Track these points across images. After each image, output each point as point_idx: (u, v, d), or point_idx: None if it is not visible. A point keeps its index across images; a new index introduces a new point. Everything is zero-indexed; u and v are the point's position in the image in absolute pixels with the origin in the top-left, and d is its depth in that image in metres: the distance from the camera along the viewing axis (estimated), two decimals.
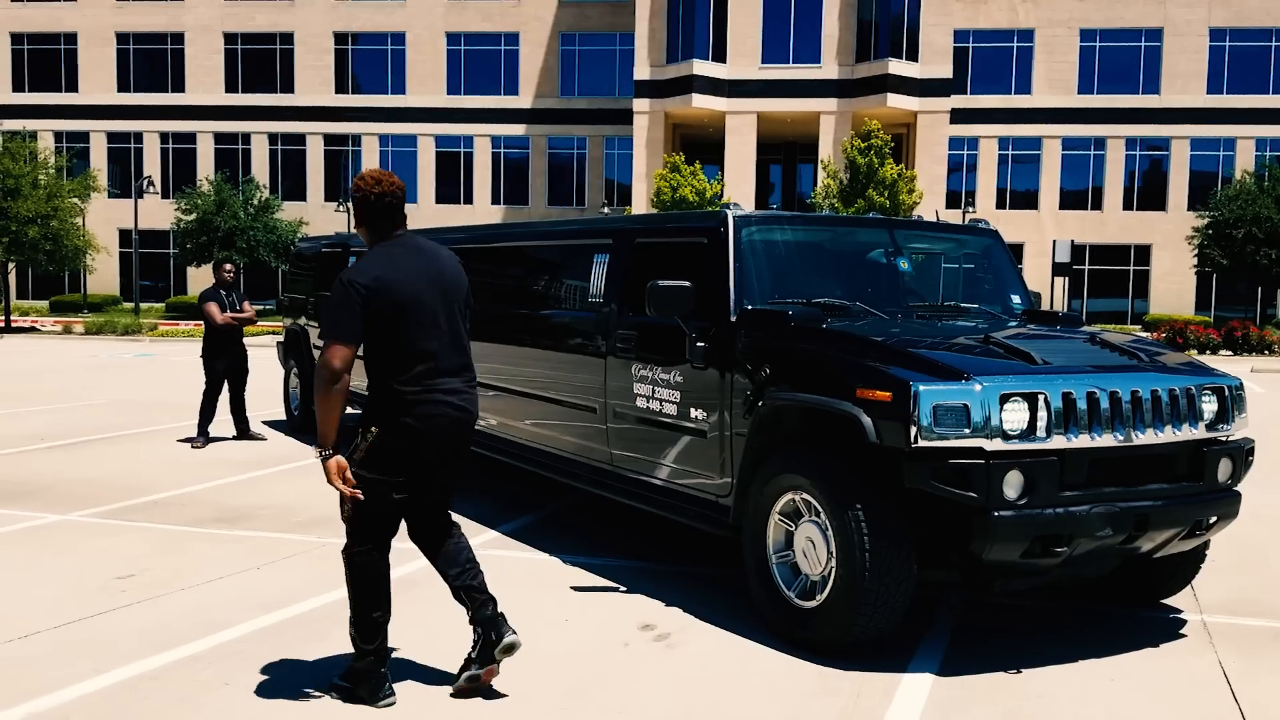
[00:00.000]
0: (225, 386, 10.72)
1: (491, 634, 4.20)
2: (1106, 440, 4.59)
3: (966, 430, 4.38)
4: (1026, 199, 42.61)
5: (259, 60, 46.92)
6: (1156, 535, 4.73)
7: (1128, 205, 42.32)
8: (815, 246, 6.04)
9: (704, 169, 36.69)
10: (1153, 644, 5.00)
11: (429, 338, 4.10)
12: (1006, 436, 4.42)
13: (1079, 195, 42.61)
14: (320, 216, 44.33)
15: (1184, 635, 5.15)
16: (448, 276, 4.23)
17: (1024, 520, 4.41)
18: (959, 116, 40.33)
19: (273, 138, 47.13)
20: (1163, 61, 41.57)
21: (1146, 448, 4.71)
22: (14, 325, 33.49)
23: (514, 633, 4.21)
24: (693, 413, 5.62)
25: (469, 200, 45.94)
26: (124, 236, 45.38)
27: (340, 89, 46.69)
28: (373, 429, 4.10)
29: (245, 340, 11.02)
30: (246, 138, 47.21)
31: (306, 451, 10.19)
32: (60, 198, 32.87)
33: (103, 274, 43.85)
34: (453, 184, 46.24)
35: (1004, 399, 4.42)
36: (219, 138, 47.33)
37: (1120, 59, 41.88)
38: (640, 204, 39.66)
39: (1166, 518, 4.71)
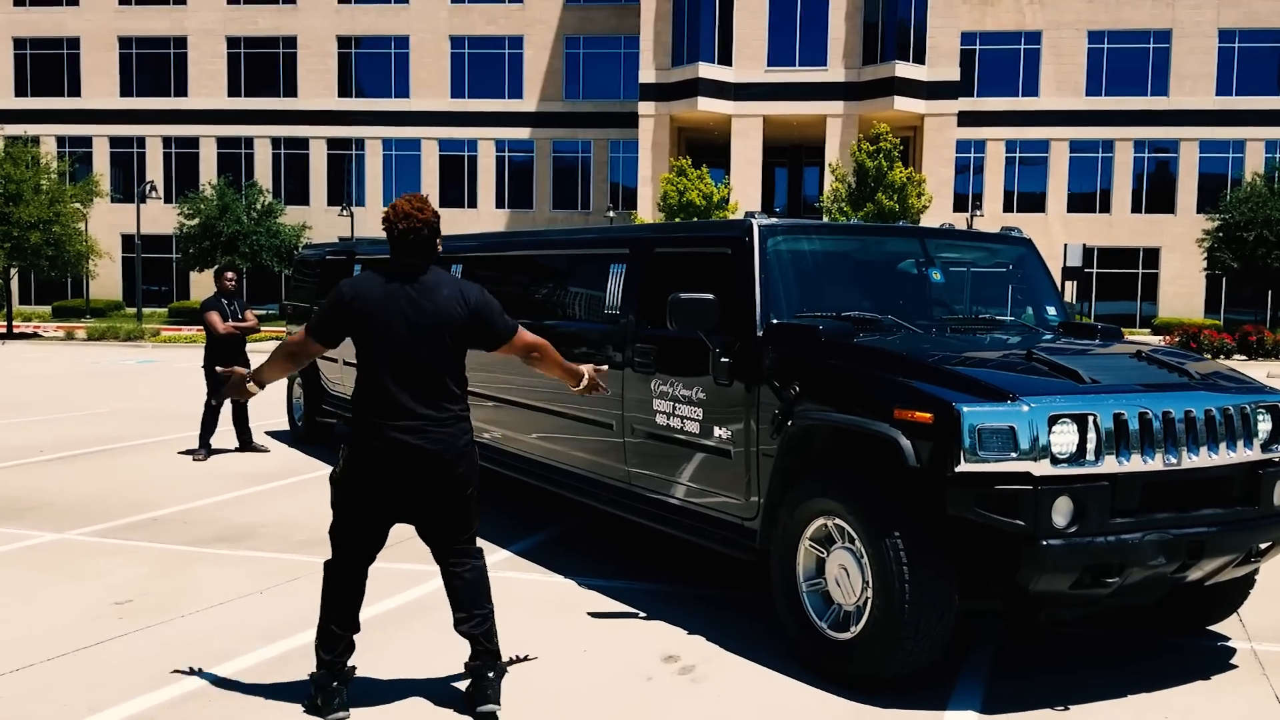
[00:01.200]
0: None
1: (474, 692, 4.11)
2: (1158, 463, 4.33)
3: (1013, 454, 4.13)
4: (1034, 202, 42.33)
5: (262, 64, 46.71)
6: (1210, 563, 4.48)
7: (1136, 208, 42.04)
8: (843, 257, 5.77)
9: (710, 172, 36.43)
10: (1204, 676, 4.75)
11: (391, 374, 3.99)
12: (1055, 460, 4.17)
13: (1087, 198, 42.32)
14: (323, 221, 44.12)
15: (1235, 665, 4.89)
16: (428, 315, 4.00)
17: (1074, 549, 4.16)
18: (966, 119, 40.05)
19: (275, 141, 46.92)
20: (1171, 63, 41.28)
21: (1200, 471, 4.45)
22: (15, 331, 33.31)
23: (495, 703, 4.06)
24: (716, 431, 5.37)
25: (473, 204, 45.71)
26: (126, 241, 45.13)
27: (343, 92, 46.48)
28: (343, 448, 4.14)
29: (248, 347, 10.77)
30: (249, 142, 47.01)
31: (310, 464, 9.95)
32: (63, 203, 32.66)
33: (105, 279, 43.69)
34: (456, 188, 46.00)
35: (1052, 420, 4.17)
36: (222, 142, 47.12)
37: (1128, 60, 41.59)
38: (645, 207, 39.42)
39: (1221, 544, 4.45)
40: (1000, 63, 42.27)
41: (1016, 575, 4.22)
